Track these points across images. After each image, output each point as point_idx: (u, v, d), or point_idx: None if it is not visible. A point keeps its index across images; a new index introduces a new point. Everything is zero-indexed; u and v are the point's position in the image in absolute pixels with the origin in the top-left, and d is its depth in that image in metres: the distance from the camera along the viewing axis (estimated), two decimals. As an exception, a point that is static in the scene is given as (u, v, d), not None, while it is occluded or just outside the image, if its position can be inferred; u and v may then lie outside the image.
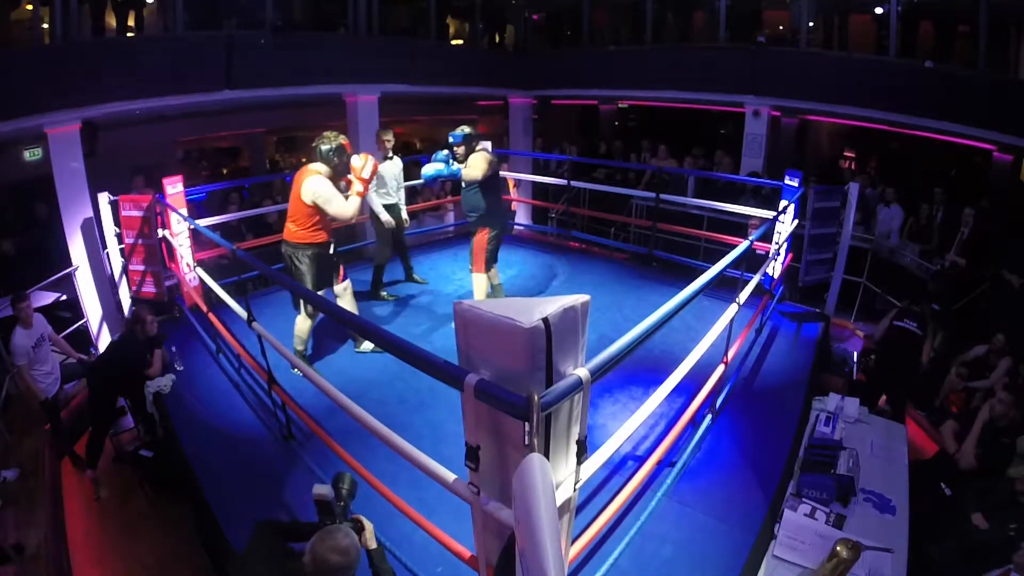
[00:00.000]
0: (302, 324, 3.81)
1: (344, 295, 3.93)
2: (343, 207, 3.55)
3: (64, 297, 5.50)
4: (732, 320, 3.22)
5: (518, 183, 8.16)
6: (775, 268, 4.79)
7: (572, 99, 10.34)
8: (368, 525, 2.04)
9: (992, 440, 3.34)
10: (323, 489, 2.03)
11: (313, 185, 3.51)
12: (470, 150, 4.22)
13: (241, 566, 1.93)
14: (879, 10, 7.51)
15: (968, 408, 4.32)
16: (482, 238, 4.33)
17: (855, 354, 4.73)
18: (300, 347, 3.84)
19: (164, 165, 7.04)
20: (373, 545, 2.04)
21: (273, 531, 2.08)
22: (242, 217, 5.88)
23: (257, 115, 8.91)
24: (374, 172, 3.62)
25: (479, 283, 4.44)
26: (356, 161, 3.56)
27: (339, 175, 3.64)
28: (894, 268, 6.23)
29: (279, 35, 6.66)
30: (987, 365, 4.50)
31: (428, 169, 4.06)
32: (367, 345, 4.21)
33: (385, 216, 4.91)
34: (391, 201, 5.00)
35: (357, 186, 3.55)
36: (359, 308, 4.25)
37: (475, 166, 4.11)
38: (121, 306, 5.06)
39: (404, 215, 5.23)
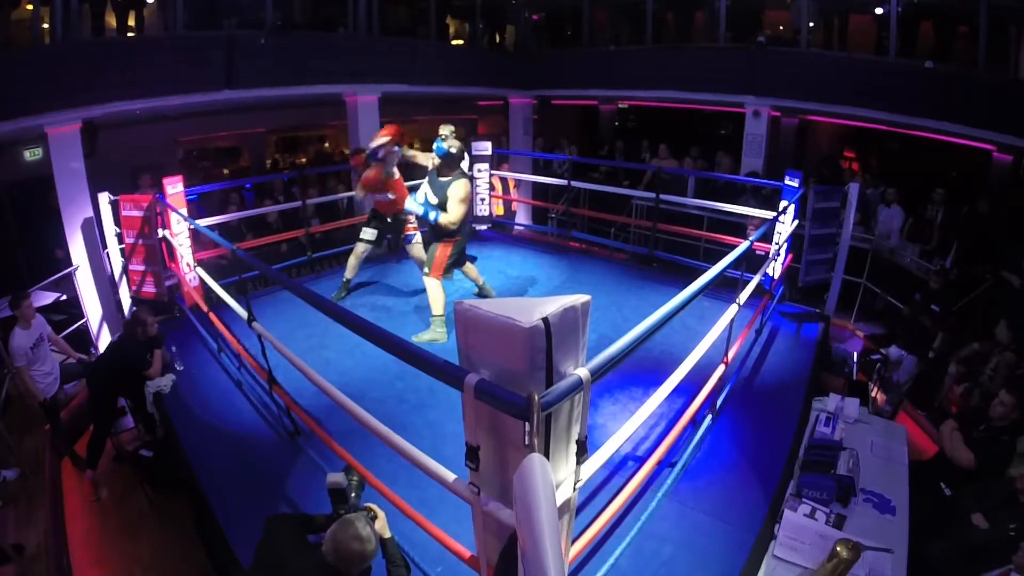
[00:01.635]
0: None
1: (413, 248, 5.04)
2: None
3: (64, 297, 5.50)
4: (732, 320, 3.22)
5: (518, 183, 8.16)
6: (775, 268, 4.80)
7: (572, 99, 10.34)
8: (381, 514, 2.07)
9: (992, 440, 3.34)
10: (337, 477, 2.07)
11: None
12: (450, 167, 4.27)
13: (260, 558, 1.94)
14: (879, 10, 7.50)
15: (967, 407, 4.32)
16: (447, 248, 4.31)
17: (855, 354, 4.73)
18: (350, 275, 5.10)
19: (164, 165, 7.04)
20: (387, 534, 2.06)
21: (289, 523, 2.09)
22: (242, 217, 5.88)
23: (257, 115, 8.91)
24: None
25: (434, 288, 4.35)
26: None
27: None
28: (894, 268, 6.23)
29: (279, 35, 6.65)
30: (984, 361, 4.50)
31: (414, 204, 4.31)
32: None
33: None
34: None
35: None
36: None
37: (454, 204, 4.18)
38: (121, 306, 5.06)
39: None
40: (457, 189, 4.18)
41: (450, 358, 1.63)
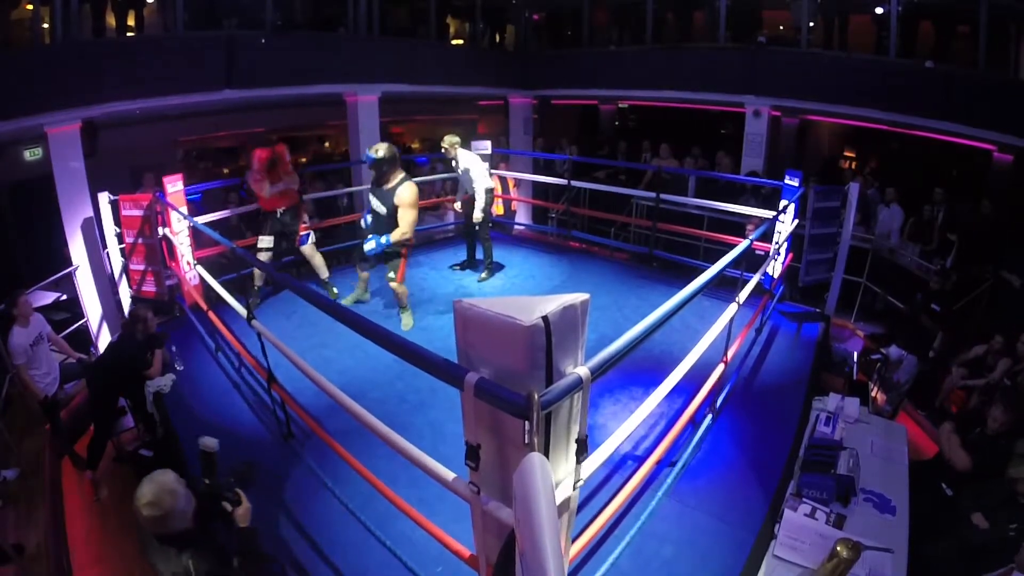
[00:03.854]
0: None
1: (306, 249, 5.16)
2: None
3: (64, 297, 5.50)
4: (732, 320, 3.22)
5: (518, 182, 8.17)
6: (775, 268, 4.79)
7: (572, 99, 10.34)
8: (245, 504, 2.02)
9: (988, 444, 3.35)
10: (210, 442, 2.10)
11: None
12: (387, 174, 4.24)
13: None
14: (879, 10, 7.50)
15: (967, 408, 4.32)
16: (404, 253, 4.47)
17: (855, 354, 4.73)
18: (260, 283, 5.09)
19: (164, 165, 7.03)
20: (244, 524, 2.02)
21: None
22: (241, 212, 5.86)
23: (257, 115, 8.90)
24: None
25: (400, 288, 4.56)
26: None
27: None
28: (894, 268, 6.23)
29: (279, 35, 6.65)
30: (985, 365, 4.50)
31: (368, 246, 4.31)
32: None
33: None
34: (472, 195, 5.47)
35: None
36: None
37: (405, 211, 4.20)
38: (121, 306, 5.06)
39: (476, 213, 5.42)
40: (404, 194, 4.19)
41: (447, 353, 1.63)
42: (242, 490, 2.06)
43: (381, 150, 4.20)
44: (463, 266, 5.96)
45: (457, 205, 5.78)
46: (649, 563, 2.47)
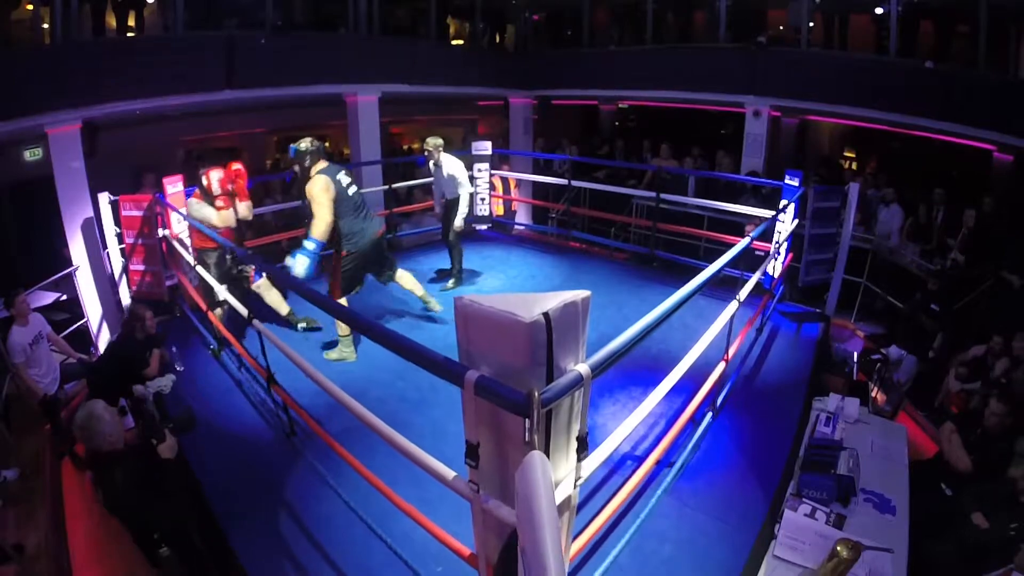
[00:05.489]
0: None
1: (261, 288, 4.48)
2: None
3: (64, 297, 5.50)
4: (732, 317, 3.22)
5: (519, 182, 8.17)
6: (775, 267, 4.80)
7: (572, 99, 10.34)
8: (169, 441, 2.49)
9: (988, 444, 3.35)
10: (140, 389, 2.70)
11: None
12: (305, 173, 3.81)
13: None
14: (879, 10, 7.50)
15: (968, 408, 4.31)
16: (336, 262, 4.03)
17: (855, 354, 4.73)
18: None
19: (164, 165, 7.03)
20: (164, 455, 2.44)
21: None
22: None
23: (257, 115, 8.90)
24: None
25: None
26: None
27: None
28: (894, 268, 6.22)
29: (279, 35, 6.66)
30: (985, 365, 4.50)
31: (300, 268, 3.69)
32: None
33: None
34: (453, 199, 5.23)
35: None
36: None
37: (317, 205, 3.71)
38: (121, 306, 5.06)
39: (457, 221, 5.18)
40: (310, 188, 3.73)
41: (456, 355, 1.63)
42: (181, 434, 2.48)
43: (302, 143, 3.86)
44: (450, 273, 5.75)
45: (436, 209, 5.50)
46: (649, 562, 2.47)
